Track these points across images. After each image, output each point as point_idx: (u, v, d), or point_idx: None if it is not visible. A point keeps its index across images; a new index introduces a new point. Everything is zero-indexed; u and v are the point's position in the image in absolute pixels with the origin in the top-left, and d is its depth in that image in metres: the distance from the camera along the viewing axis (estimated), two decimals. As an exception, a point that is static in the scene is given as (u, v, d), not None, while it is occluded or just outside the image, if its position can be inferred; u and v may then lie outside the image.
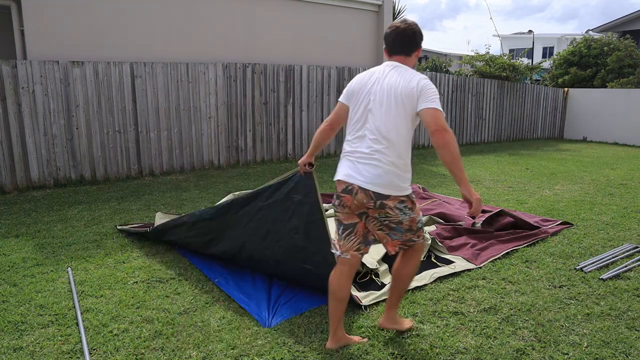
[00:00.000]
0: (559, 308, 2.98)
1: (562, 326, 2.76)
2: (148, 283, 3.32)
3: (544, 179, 7.28)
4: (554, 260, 3.78)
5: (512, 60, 13.15)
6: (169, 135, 7.31)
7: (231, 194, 4.86)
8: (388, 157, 2.30)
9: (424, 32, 2.53)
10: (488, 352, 2.49)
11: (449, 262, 3.64)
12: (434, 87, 2.32)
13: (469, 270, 3.55)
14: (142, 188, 6.38)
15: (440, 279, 3.39)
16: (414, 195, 2.42)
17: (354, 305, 2.95)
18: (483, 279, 3.42)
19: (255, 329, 2.71)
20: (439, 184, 6.88)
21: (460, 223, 4.49)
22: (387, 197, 2.30)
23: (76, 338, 2.61)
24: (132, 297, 3.10)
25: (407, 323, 2.68)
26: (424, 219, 3.77)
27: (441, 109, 2.27)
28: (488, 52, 13.43)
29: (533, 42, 24.71)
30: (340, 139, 9.40)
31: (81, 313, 2.86)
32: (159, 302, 3.02)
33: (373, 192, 2.29)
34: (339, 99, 2.64)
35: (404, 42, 2.43)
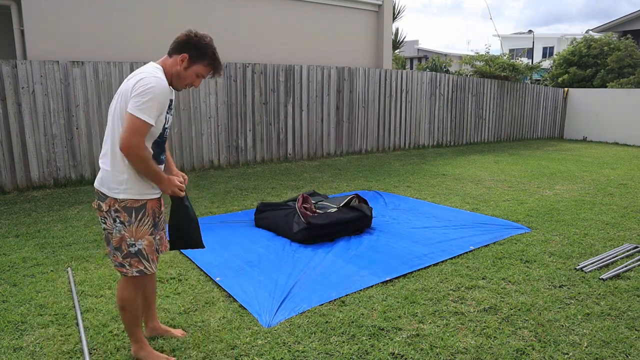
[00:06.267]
0: (559, 308, 2.98)
1: (562, 326, 2.76)
2: (148, 283, 3.32)
3: (544, 179, 7.28)
4: (554, 260, 3.78)
5: (512, 60, 13.15)
6: (168, 135, 7.30)
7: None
8: (104, 159, 2.20)
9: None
10: (488, 352, 2.49)
11: None
12: (151, 85, 2.07)
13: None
14: (142, 188, 6.38)
15: (441, 279, 3.39)
16: (132, 209, 2.18)
17: (351, 304, 2.96)
18: (483, 279, 3.42)
19: (255, 329, 2.71)
20: (439, 183, 6.88)
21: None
22: (103, 197, 2.17)
23: (76, 338, 2.61)
24: (132, 297, 3.09)
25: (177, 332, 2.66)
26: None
27: (141, 117, 2.04)
28: (488, 52, 13.43)
29: (533, 42, 24.72)
30: (340, 138, 9.40)
31: (81, 313, 2.86)
32: (159, 302, 3.02)
33: (96, 190, 2.23)
34: None
35: (174, 43, 2.27)
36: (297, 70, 8.63)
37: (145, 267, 2.26)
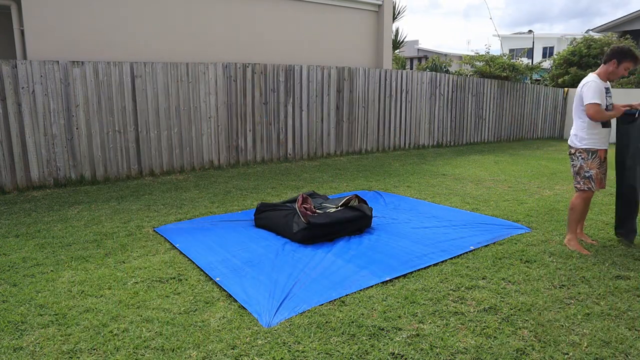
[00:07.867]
0: (559, 308, 2.98)
1: (562, 326, 2.76)
2: (148, 283, 3.32)
3: (544, 179, 7.28)
4: (554, 260, 3.78)
5: (512, 60, 13.15)
6: (169, 135, 7.31)
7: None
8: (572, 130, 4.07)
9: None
10: (488, 352, 2.49)
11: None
12: (593, 85, 3.78)
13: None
14: (142, 188, 6.38)
15: (441, 279, 3.39)
16: (589, 152, 3.92)
17: (351, 304, 2.95)
18: (483, 279, 3.42)
19: (255, 329, 2.71)
20: (439, 183, 6.88)
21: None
22: (573, 147, 4.03)
23: (76, 338, 2.61)
24: (132, 297, 3.10)
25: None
26: None
27: (595, 101, 3.75)
28: (488, 52, 13.43)
29: (533, 42, 24.73)
30: (340, 138, 9.40)
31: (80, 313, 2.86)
32: (159, 302, 3.02)
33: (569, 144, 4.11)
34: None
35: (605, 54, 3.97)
36: (297, 70, 8.63)
37: (591, 187, 3.95)
